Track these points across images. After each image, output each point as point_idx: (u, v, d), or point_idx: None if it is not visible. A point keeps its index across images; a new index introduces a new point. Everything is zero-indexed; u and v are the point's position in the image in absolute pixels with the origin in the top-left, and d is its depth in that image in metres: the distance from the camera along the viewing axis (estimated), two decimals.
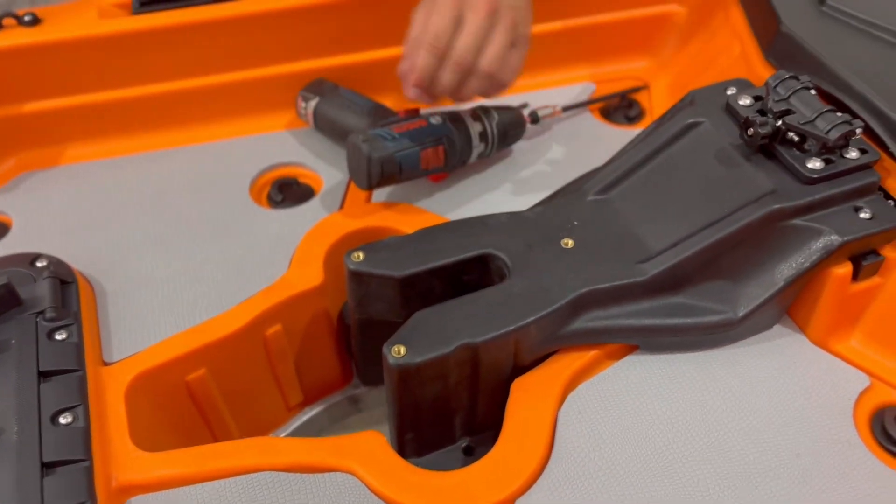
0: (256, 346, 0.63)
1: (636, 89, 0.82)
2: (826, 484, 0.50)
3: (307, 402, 0.71)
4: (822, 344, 0.58)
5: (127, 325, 0.60)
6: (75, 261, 0.64)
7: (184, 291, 0.63)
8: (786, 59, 0.66)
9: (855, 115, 0.59)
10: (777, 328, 0.59)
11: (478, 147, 0.70)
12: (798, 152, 0.57)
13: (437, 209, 0.69)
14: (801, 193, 0.55)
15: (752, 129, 0.57)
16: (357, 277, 0.58)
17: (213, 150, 0.75)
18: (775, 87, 0.59)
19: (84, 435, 0.51)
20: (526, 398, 0.55)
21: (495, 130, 0.70)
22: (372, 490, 0.50)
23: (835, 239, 0.54)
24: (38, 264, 0.61)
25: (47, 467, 0.49)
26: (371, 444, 0.52)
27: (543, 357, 0.57)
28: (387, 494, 0.50)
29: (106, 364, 0.57)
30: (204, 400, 0.61)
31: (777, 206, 0.55)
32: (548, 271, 0.57)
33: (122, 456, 0.52)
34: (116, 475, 0.51)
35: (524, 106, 0.75)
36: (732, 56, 0.73)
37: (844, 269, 0.56)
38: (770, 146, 0.58)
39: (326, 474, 0.51)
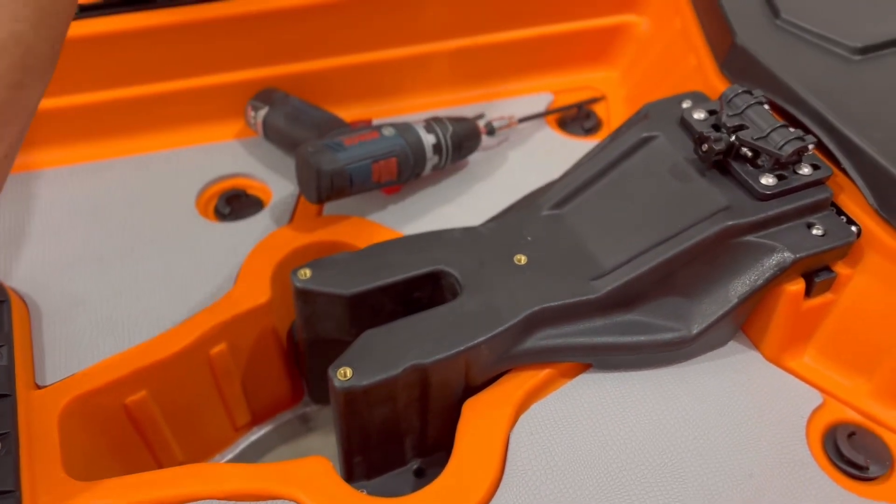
0: (201, 366, 0.60)
1: (593, 100, 0.82)
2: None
3: (256, 421, 0.69)
4: (775, 360, 0.58)
5: (62, 345, 0.58)
6: (8, 277, 0.61)
7: (124, 310, 0.60)
8: (740, 72, 0.66)
9: (808, 131, 0.58)
10: (731, 345, 0.59)
11: (432, 159, 0.68)
12: (752, 168, 0.57)
13: (390, 222, 0.68)
14: (755, 210, 0.55)
15: (706, 145, 0.56)
16: (304, 296, 0.56)
17: (158, 161, 0.73)
18: (729, 101, 0.58)
19: (12, 464, 0.49)
20: (477, 419, 0.53)
21: (450, 142, 0.69)
22: None
23: (787, 256, 0.54)
24: None
25: None
26: (316, 471, 0.50)
27: (496, 377, 0.56)
28: None
29: (38, 387, 0.55)
30: (145, 423, 0.59)
31: (731, 222, 0.54)
32: (500, 289, 0.55)
33: (53, 486, 0.49)
34: None
35: (480, 116, 0.74)
36: (688, 68, 0.73)
37: (797, 286, 0.55)
38: (724, 161, 0.57)
39: (269, 502, 0.49)
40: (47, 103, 0.70)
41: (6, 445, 0.49)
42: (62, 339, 0.58)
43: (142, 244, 0.65)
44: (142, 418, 0.58)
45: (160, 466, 0.63)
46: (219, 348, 0.60)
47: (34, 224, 0.67)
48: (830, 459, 0.53)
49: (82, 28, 0.67)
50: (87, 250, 0.64)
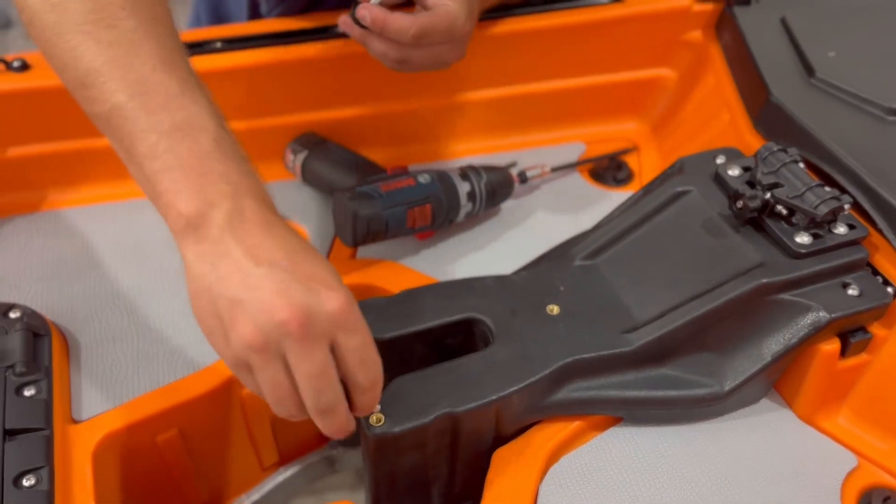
0: (232, 406, 0.61)
1: (626, 151, 0.82)
2: None
3: (282, 461, 0.69)
4: (809, 420, 0.57)
5: (99, 380, 0.58)
6: (50, 311, 0.63)
7: (159, 347, 0.61)
8: (774, 129, 0.66)
9: (843, 190, 0.59)
10: (764, 402, 0.59)
11: (465, 206, 0.69)
12: (786, 226, 0.57)
13: (422, 267, 0.68)
14: (790, 268, 0.55)
15: (741, 202, 0.57)
16: None
17: None
18: (764, 159, 0.59)
19: (47, 499, 0.49)
20: (507, 469, 0.53)
21: (483, 190, 0.70)
22: None
23: (823, 315, 0.54)
24: (12, 315, 0.60)
25: None
26: None
27: (526, 427, 0.56)
28: None
29: (75, 422, 0.56)
30: (174, 461, 0.59)
31: (765, 279, 0.54)
32: (532, 339, 0.56)
33: None
34: None
35: (513, 165, 0.75)
36: (722, 123, 0.74)
37: (832, 346, 0.55)
38: (759, 218, 0.57)
39: None
40: (89, 143, 0.72)
41: (41, 479, 0.50)
42: (99, 374, 0.59)
43: (179, 282, 0.66)
44: (171, 456, 0.59)
45: (188, 503, 0.64)
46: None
47: (75, 259, 0.68)
48: None
49: None
50: (127, 287, 0.66)
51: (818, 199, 0.55)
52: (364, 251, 0.70)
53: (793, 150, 0.59)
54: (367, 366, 0.45)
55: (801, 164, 0.59)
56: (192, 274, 0.43)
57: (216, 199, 0.43)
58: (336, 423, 0.45)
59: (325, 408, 0.43)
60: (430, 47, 0.61)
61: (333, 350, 0.43)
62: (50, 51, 0.48)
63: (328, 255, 0.70)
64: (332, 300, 0.42)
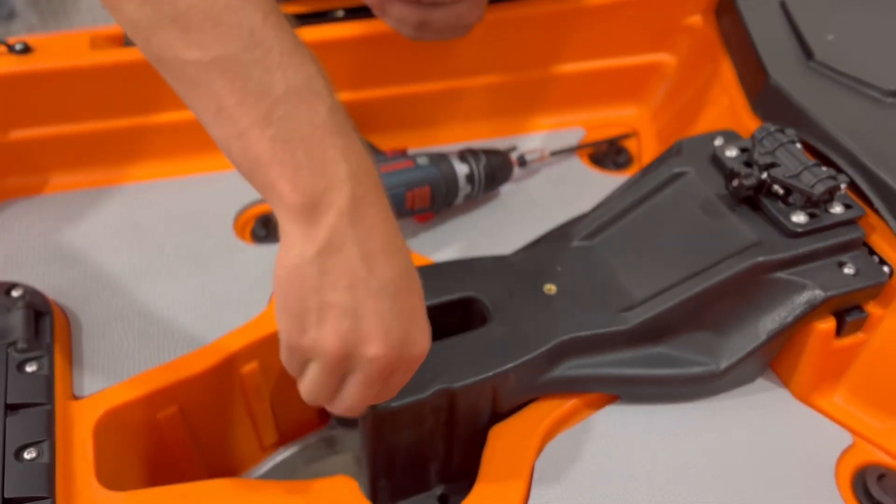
0: (232, 384, 0.61)
1: (625, 136, 0.82)
2: None
3: (282, 441, 0.70)
4: (805, 399, 0.58)
5: (100, 358, 0.59)
6: (52, 290, 0.63)
7: (159, 325, 0.62)
8: (773, 112, 0.66)
9: (840, 170, 0.59)
10: (760, 382, 0.59)
11: (464, 189, 0.70)
12: (783, 205, 0.57)
13: (421, 249, 0.69)
14: (785, 247, 0.55)
15: (737, 181, 0.57)
16: None
17: (198, 183, 0.75)
18: (761, 139, 0.59)
19: (48, 471, 0.50)
20: (503, 446, 0.54)
21: (482, 173, 0.70)
22: None
23: (818, 294, 0.54)
24: (14, 293, 0.60)
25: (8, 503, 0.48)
26: (341, 490, 0.51)
27: (522, 404, 0.56)
28: None
29: (76, 398, 0.56)
30: (174, 438, 0.60)
31: (761, 258, 0.55)
32: (529, 318, 0.56)
33: (86, 495, 0.50)
34: None
35: (512, 149, 0.76)
36: (721, 107, 0.74)
37: (828, 325, 0.55)
38: (755, 198, 0.58)
39: None
40: (91, 126, 0.73)
41: (42, 452, 0.50)
42: (100, 352, 0.59)
43: (179, 263, 0.67)
44: (172, 433, 0.60)
45: (188, 481, 0.64)
46: (250, 367, 0.61)
47: (78, 241, 0.69)
48: (860, 501, 0.52)
49: (128, 55, 0.70)
50: (127, 268, 0.66)
51: (815, 179, 0.55)
52: None
53: (790, 131, 0.59)
54: (397, 390, 0.46)
55: (799, 145, 0.59)
56: (294, 250, 0.39)
57: (336, 180, 0.39)
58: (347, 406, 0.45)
59: (353, 412, 0.45)
60: (450, 6, 0.59)
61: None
62: None
63: None
64: (418, 347, 0.42)
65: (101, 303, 0.63)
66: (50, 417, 0.53)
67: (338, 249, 0.39)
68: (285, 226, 0.40)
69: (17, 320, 0.57)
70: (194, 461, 0.63)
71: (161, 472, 0.60)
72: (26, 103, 0.71)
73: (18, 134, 0.72)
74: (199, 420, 0.61)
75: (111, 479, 0.52)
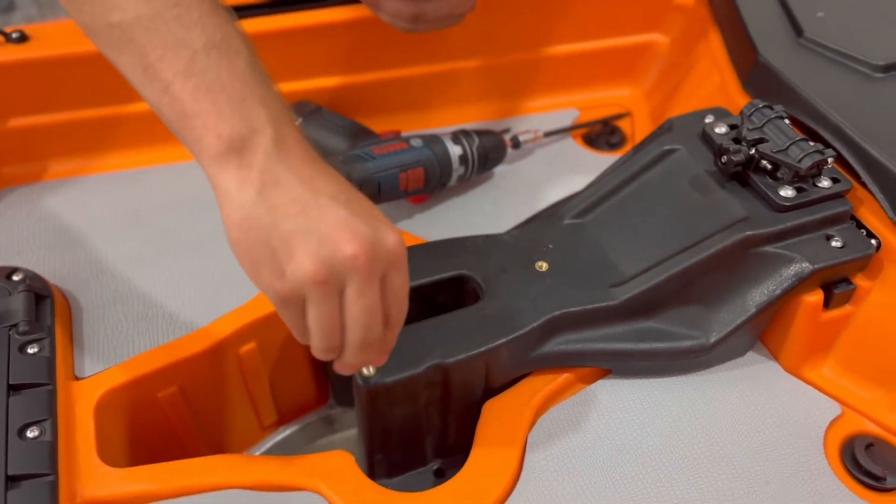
0: (230, 365, 0.62)
1: (619, 116, 0.83)
2: None
3: (282, 421, 0.71)
4: (794, 371, 0.59)
5: (100, 340, 0.60)
6: (53, 275, 0.64)
7: (158, 308, 0.63)
8: (763, 89, 0.67)
9: (828, 145, 0.59)
10: (750, 355, 0.60)
11: (458, 170, 0.70)
12: (771, 180, 0.57)
13: (416, 231, 0.69)
14: (773, 221, 0.56)
15: (725, 157, 0.57)
16: None
17: (196, 168, 0.74)
18: (750, 115, 0.59)
19: (50, 449, 0.51)
20: (496, 421, 0.55)
21: (476, 154, 0.71)
22: None
23: (806, 266, 0.55)
24: (15, 278, 0.61)
25: (12, 481, 0.49)
26: (339, 464, 0.52)
27: (515, 380, 0.57)
28: None
29: (77, 379, 0.57)
30: (175, 418, 0.61)
31: (749, 232, 0.55)
32: (521, 294, 0.57)
33: (88, 471, 0.51)
34: (81, 490, 0.50)
35: (506, 130, 0.76)
36: (713, 85, 0.74)
37: (816, 297, 0.56)
38: (744, 174, 0.58)
39: (293, 493, 0.51)
40: (88, 113, 0.74)
41: (45, 431, 0.51)
42: (100, 334, 0.61)
43: (177, 247, 0.68)
44: (172, 413, 0.61)
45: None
46: (248, 347, 0.62)
47: (78, 226, 0.70)
48: (848, 470, 0.53)
49: None
50: (126, 252, 0.67)
51: (802, 153, 0.56)
52: None
53: (778, 107, 0.60)
54: (404, 303, 0.44)
55: (787, 121, 0.59)
56: (234, 202, 0.40)
57: (258, 124, 0.40)
58: (371, 357, 0.45)
59: (371, 341, 0.43)
60: None
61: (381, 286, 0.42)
62: None
63: None
64: (390, 236, 0.41)
65: (100, 286, 0.64)
66: (52, 397, 0.54)
67: (275, 183, 0.40)
68: (218, 179, 0.41)
69: (18, 304, 0.58)
70: (195, 440, 0.64)
71: (161, 450, 0.61)
72: (24, 91, 0.72)
73: (17, 122, 0.73)
74: (198, 400, 0.62)
75: (113, 456, 0.53)
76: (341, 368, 0.45)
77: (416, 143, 0.68)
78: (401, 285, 0.43)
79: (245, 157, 0.40)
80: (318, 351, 0.43)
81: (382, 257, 0.41)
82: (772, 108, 0.60)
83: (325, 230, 0.39)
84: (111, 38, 0.42)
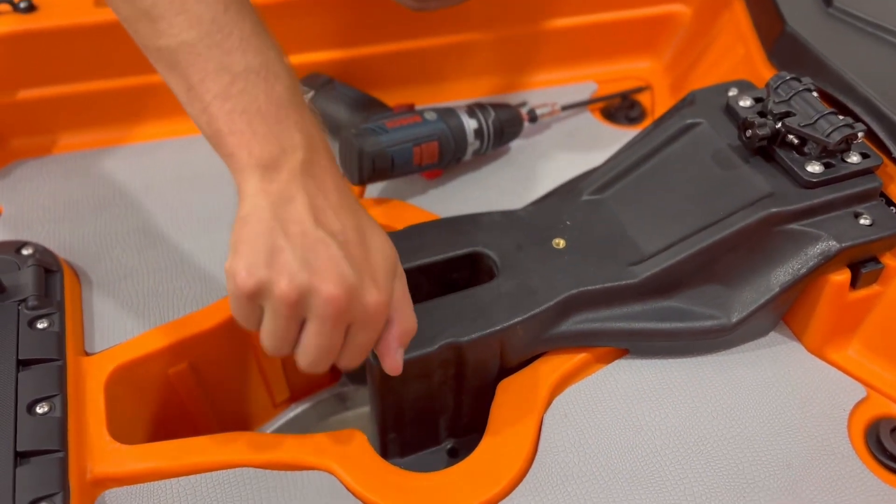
0: (242, 341, 0.62)
1: (638, 90, 0.81)
2: (817, 496, 0.49)
3: (294, 398, 0.70)
4: (818, 353, 0.57)
5: (110, 315, 0.59)
6: (62, 249, 0.63)
7: (169, 283, 0.62)
8: (789, 60, 0.65)
9: (857, 119, 0.57)
10: (772, 335, 0.58)
11: (473, 144, 0.69)
12: (797, 155, 0.56)
13: (430, 206, 0.68)
14: (800, 197, 0.54)
15: (750, 131, 0.56)
16: None
17: (205, 142, 0.74)
18: (776, 88, 0.57)
19: (60, 425, 0.50)
20: (511, 400, 0.54)
21: (492, 128, 0.69)
22: (350, 490, 0.49)
23: (833, 245, 0.53)
24: (24, 252, 0.61)
25: (21, 457, 0.48)
26: (351, 443, 0.51)
27: (531, 359, 0.56)
28: (364, 494, 0.49)
29: (87, 354, 0.57)
30: (186, 394, 0.60)
31: (774, 209, 0.53)
32: (537, 271, 0.55)
33: (98, 448, 0.51)
34: (91, 467, 0.50)
35: (523, 104, 0.74)
36: (736, 57, 0.72)
37: (842, 277, 0.54)
38: (769, 148, 0.56)
39: (304, 472, 0.50)
40: (98, 85, 0.73)
41: (54, 407, 0.51)
42: (110, 309, 0.60)
43: (188, 222, 0.67)
44: (183, 389, 0.60)
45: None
46: None
47: (88, 200, 0.69)
48: (872, 453, 0.52)
49: None
50: (136, 226, 0.66)
51: (831, 127, 0.54)
52: (371, 190, 0.70)
53: (806, 79, 0.58)
54: (359, 357, 0.46)
55: (815, 93, 0.57)
56: (250, 203, 0.43)
57: (291, 147, 0.43)
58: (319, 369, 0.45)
59: (312, 369, 0.44)
60: None
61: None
62: None
63: None
64: (373, 296, 0.43)
65: (110, 261, 0.64)
66: (61, 373, 0.53)
67: (288, 200, 0.42)
68: (242, 186, 0.43)
69: (27, 278, 0.57)
70: (206, 417, 0.63)
71: (173, 427, 0.61)
72: (32, 62, 0.70)
73: (25, 94, 0.72)
74: (210, 376, 0.61)
75: (123, 432, 0.53)
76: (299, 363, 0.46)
77: (431, 116, 0.67)
78: (363, 343, 0.44)
79: (271, 173, 0.42)
80: (263, 345, 0.44)
81: (356, 310, 0.42)
82: (799, 81, 0.57)
83: (312, 260, 0.41)
84: (160, 60, 0.45)
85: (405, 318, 0.47)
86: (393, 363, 0.47)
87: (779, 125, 0.55)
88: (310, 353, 0.43)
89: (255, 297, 0.42)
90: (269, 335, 0.43)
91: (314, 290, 0.41)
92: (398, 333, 0.46)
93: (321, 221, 0.42)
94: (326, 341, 0.43)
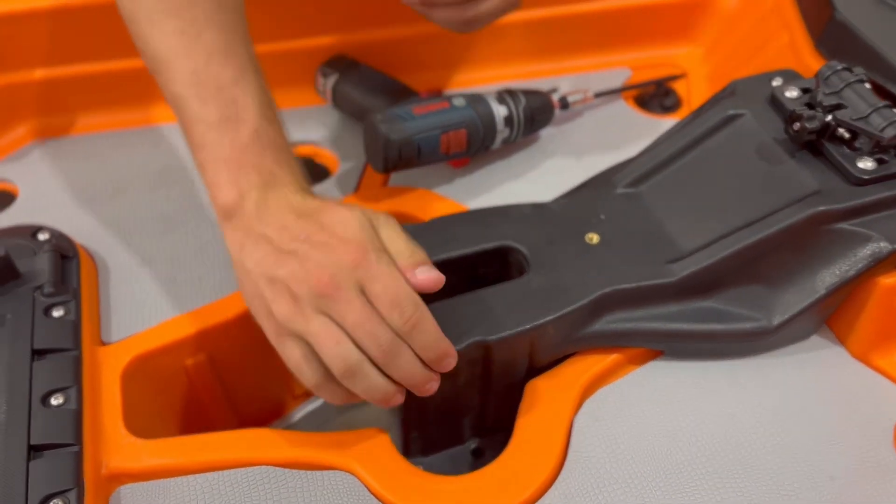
0: (261, 332, 0.60)
1: (674, 77, 0.78)
2: None
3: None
4: (863, 358, 0.54)
5: (128, 304, 0.58)
6: (79, 234, 0.62)
7: (188, 272, 0.60)
8: (838, 49, 0.62)
9: None
10: (814, 339, 0.55)
11: (502, 132, 0.66)
12: (848, 150, 0.53)
13: (456, 196, 0.66)
14: (849, 195, 0.51)
15: (798, 124, 0.53)
16: None
17: None
18: (826, 78, 0.54)
19: (75, 418, 0.49)
20: (540, 401, 0.51)
21: (522, 115, 0.67)
22: (372, 491, 0.48)
23: (884, 246, 0.50)
24: (40, 237, 0.59)
25: (34, 450, 0.47)
26: (373, 443, 0.49)
27: (561, 359, 0.54)
28: (386, 497, 0.47)
29: (104, 344, 0.55)
30: (203, 386, 0.59)
31: (822, 207, 0.51)
32: (569, 268, 0.53)
33: (114, 442, 0.49)
34: (107, 461, 0.48)
35: (553, 90, 0.72)
36: (780, 45, 0.69)
37: (892, 280, 0.51)
38: (817, 143, 0.53)
39: (325, 472, 0.48)
40: (119, 65, 0.71)
41: (70, 398, 0.49)
42: (128, 297, 0.58)
43: (208, 207, 0.65)
44: (201, 381, 0.59)
45: (218, 429, 0.63)
46: None
47: (106, 183, 0.67)
48: None
49: None
50: (156, 212, 0.65)
51: (885, 122, 0.51)
52: (396, 179, 0.68)
53: (858, 70, 0.54)
54: (402, 306, 0.44)
55: (868, 85, 0.54)
56: (234, 259, 0.47)
57: (247, 189, 0.47)
58: (407, 372, 0.45)
59: (388, 349, 0.43)
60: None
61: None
62: (132, 36, 0.52)
63: (359, 183, 0.68)
64: (347, 253, 0.43)
65: (129, 247, 0.62)
66: (77, 363, 0.52)
67: (256, 241, 0.46)
68: (225, 238, 0.48)
69: (43, 264, 0.56)
70: (224, 409, 0.62)
71: (190, 420, 0.59)
72: (51, 41, 0.69)
73: (43, 73, 0.70)
74: (228, 368, 0.60)
75: (140, 426, 0.51)
76: (397, 398, 0.46)
77: (459, 102, 0.64)
78: (380, 291, 0.43)
79: (236, 221, 0.47)
80: (339, 373, 0.44)
81: (343, 274, 0.43)
82: (851, 71, 0.54)
83: (291, 272, 0.43)
84: (173, 105, 0.50)
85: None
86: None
87: (829, 118, 0.52)
88: (364, 334, 0.43)
89: (287, 332, 0.45)
90: (325, 345, 0.43)
91: (307, 293, 0.43)
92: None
93: (284, 241, 0.45)
94: (359, 313, 0.43)
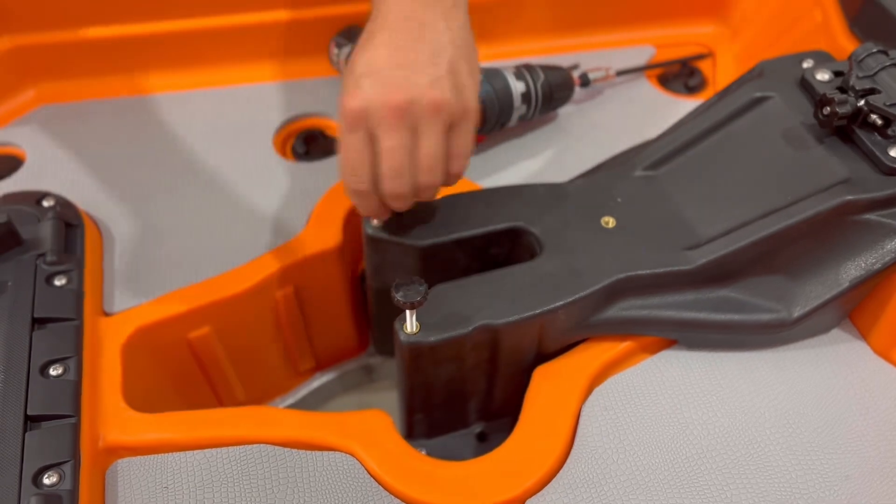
0: (266, 308, 0.59)
1: (699, 56, 0.75)
2: None
3: (319, 367, 0.68)
4: (884, 354, 0.52)
5: (132, 274, 0.57)
6: (85, 202, 0.61)
7: (193, 243, 0.59)
8: (874, 30, 0.59)
9: None
10: (835, 333, 0.54)
11: (519, 109, 0.64)
12: (880, 138, 0.50)
13: (469, 175, 0.64)
14: (880, 185, 0.49)
15: (828, 108, 0.50)
16: (375, 244, 0.53)
17: (237, 95, 0.71)
18: (861, 61, 0.52)
19: (74, 389, 0.48)
20: (548, 388, 0.50)
21: (540, 91, 0.65)
22: (371, 474, 0.47)
23: None
24: (45, 203, 0.58)
25: (31, 421, 0.46)
26: (375, 425, 0.48)
27: (571, 345, 0.52)
28: (386, 480, 0.46)
29: (106, 315, 0.54)
30: (207, 360, 0.58)
31: (850, 197, 0.48)
32: (583, 252, 0.51)
33: (112, 415, 0.49)
34: (105, 434, 0.48)
35: (574, 66, 0.69)
36: (811, 24, 0.66)
37: None
38: (848, 129, 0.51)
39: (325, 453, 0.47)
40: (130, 30, 0.69)
41: (69, 369, 0.49)
42: (132, 268, 0.57)
43: (216, 178, 0.64)
44: (204, 354, 0.58)
45: (221, 404, 0.63)
46: (284, 291, 0.59)
47: (112, 152, 0.66)
48: None
49: None
50: (163, 181, 0.64)
51: None
52: None
53: (894, 52, 0.52)
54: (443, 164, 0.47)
55: None
56: (365, 34, 0.48)
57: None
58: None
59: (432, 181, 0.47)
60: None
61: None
62: None
63: None
64: (428, 96, 0.45)
65: (135, 216, 0.61)
66: (78, 333, 0.51)
67: (372, 38, 0.47)
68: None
69: (46, 231, 0.55)
70: (227, 384, 0.61)
71: (191, 394, 0.59)
72: (62, 4, 0.67)
73: (55, 36, 0.69)
74: (232, 342, 0.59)
75: (140, 399, 0.51)
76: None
77: None
78: (430, 144, 0.45)
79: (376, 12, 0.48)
80: (388, 179, 0.46)
81: (417, 109, 0.45)
82: (887, 54, 0.52)
83: (376, 83, 0.45)
84: None
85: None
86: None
87: (861, 103, 0.50)
88: (425, 162, 0.45)
89: (363, 120, 0.45)
90: (386, 155, 0.45)
91: (379, 106, 0.44)
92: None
93: (415, 40, 0.45)
94: (399, 140, 0.45)
